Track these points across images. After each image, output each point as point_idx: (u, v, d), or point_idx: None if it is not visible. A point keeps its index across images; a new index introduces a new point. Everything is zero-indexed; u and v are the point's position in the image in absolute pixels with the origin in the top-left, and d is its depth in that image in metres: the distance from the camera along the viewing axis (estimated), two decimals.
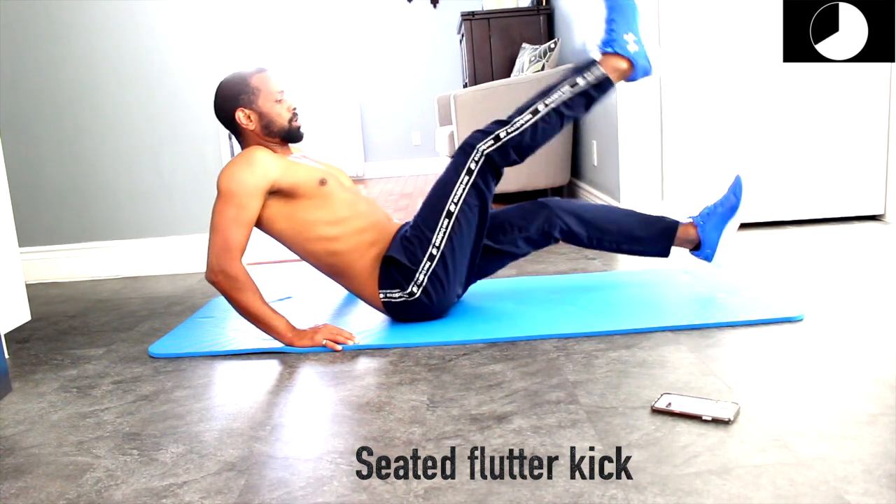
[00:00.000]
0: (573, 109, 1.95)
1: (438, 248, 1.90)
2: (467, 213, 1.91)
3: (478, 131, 1.95)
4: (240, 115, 1.93)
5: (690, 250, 2.09)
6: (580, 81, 1.93)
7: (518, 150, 1.93)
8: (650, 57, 1.95)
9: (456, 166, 1.93)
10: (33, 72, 2.91)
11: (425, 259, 1.90)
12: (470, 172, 1.90)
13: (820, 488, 1.07)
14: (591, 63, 1.95)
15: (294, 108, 1.97)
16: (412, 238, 1.92)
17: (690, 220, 2.07)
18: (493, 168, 1.93)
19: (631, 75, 1.96)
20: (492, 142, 1.91)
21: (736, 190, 2.03)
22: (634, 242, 2.07)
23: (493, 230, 2.02)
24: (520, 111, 1.94)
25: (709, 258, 2.06)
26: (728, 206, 2.03)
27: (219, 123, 2.95)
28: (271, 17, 6.58)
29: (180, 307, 2.44)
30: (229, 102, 1.93)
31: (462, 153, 1.93)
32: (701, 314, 1.88)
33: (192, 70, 2.91)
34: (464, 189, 1.90)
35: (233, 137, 3.69)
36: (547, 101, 1.93)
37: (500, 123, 1.94)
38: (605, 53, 1.94)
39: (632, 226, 2.06)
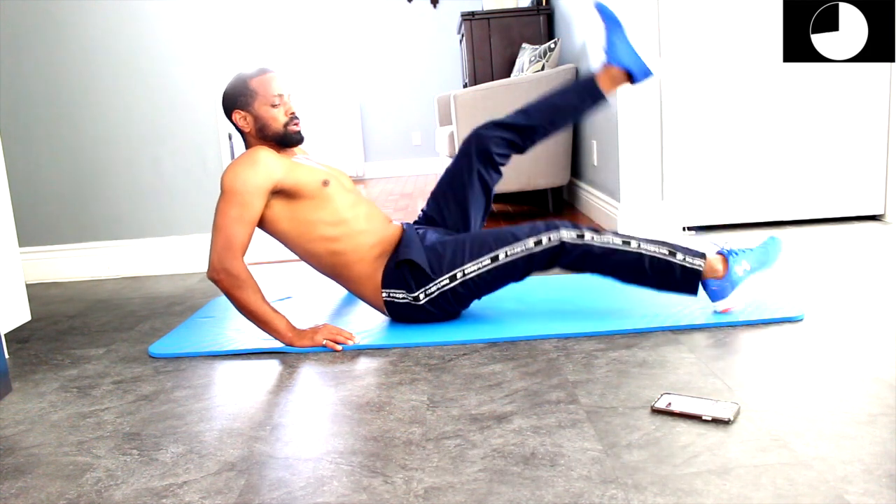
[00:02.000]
0: (652, 272, 1.86)
1: (465, 275, 1.89)
2: (509, 269, 1.89)
3: (571, 224, 1.90)
4: (236, 117, 1.94)
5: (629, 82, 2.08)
6: (679, 256, 1.85)
7: (587, 257, 1.87)
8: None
9: (532, 229, 1.89)
10: (33, 72, 2.91)
11: (446, 277, 1.89)
12: (539, 243, 1.86)
13: (820, 488, 1.07)
14: (698, 253, 1.88)
15: (292, 113, 1.96)
16: (447, 248, 1.91)
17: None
18: (555, 256, 1.88)
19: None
20: (575, 235, 1.86)
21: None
22: (567, 113, 2.13)
23: (455, 188, 2.10)
24: (615, 233, 1.90)
25: (640, 73, 2.05)
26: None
27: (219, 123, 2.95)
28: (271, 17, 6.58)
29: (180, 307, 2.44)
30: (229, 103, 1.95)
31: (545, 224, 1.90)
32: (701, 314, 1.88)
33: (193, 70, 2.91)
34: (522, 251, 1.87)
35: (233, 137, 3.70)
36: (643, 243, 1.87)
37: (593, 229, 1.89)
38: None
39: (556, 101, 2.11)
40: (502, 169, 2.12)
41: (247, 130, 1.95)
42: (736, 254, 1.90)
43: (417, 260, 1.89)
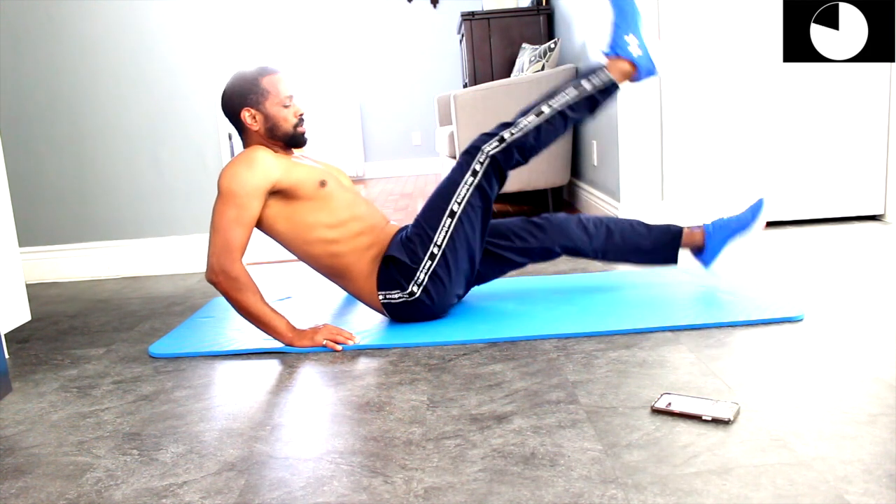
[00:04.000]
0: (577, 112, 1.96)
1: (440, 247, 1.90)
2: (470, 213, 1.91)
3: (483, 134, 1.96)
4: (245, 115, 1.93)
5: (693, 252, 2.11)
6: (586, 85, 1.94)
7: (522, 151, 1.94)
8: (653, 58, 1.97)
9: (461, 167, 1.93)
10: (33, 72, 2.91)
11: (426, 258, 1.90)
12: (475, 174, 1.91)
13: (820, 488, 1.07)
14: (597, 67, 1.96)
15: (301, 114, 1.96)
16: (413, 237, 1.92)
17: (701, 227, 2.10)
18: (497, 170, 1.93)
19: (635, 76, 1.99)
20: (496, 143, 1.92)
21: (755, 210, 2.04)
22: (640, 254, 2.09)
23: (495, 236, 2.04)
24: (524, 113, 1.95)
25: (706, 264, 2.09)
26: (742, 222, 2.05)
27: (219, 123, 2.95)
28: (271, 17, 6.58)
29: (180, 307, 2.44)
30: (237, 99, 1.93)
31: (467, 155, 1.94)
32: (701, 314, 1.88)
33: (193, 70, 2.91)
34: (468, 190, 1.91)
35: (233, 137, 3.70)
36: (551, 103, 1.94)
37: (505, 125, 1.95)
38: (610, 57, 1.98)
39: (637, 239, 2.07)
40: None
41: (255, 129, 1.94)
42: (617, 45, 1.96)
43: (396, 254, 1.90)
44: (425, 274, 1.91)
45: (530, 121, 1.93)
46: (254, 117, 1.93)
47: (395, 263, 1.91)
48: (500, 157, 1.92)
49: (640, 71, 1.97)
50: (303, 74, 6.62)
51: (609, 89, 1.96)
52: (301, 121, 1.96)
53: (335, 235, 1.93)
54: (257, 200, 1.85)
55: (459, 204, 1.91)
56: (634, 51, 1.95)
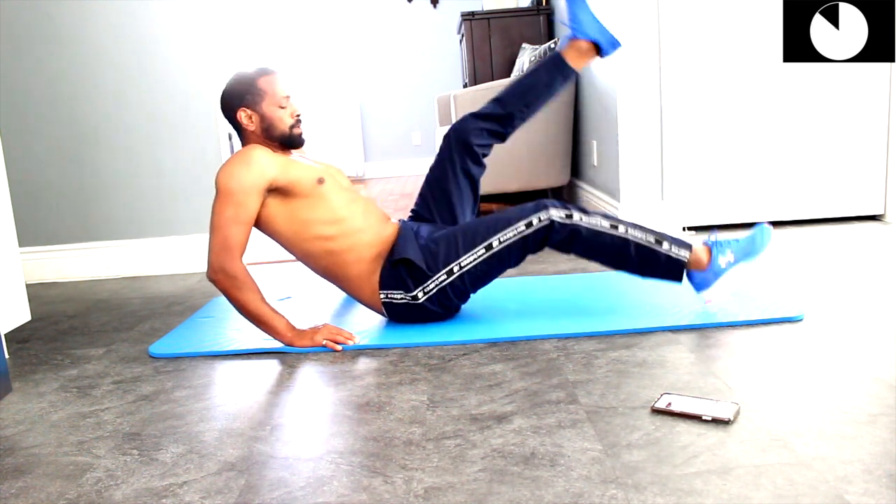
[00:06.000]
0: (637, 258, 1.87)
1: (462, 268, 1.89)
2: (504, 256, 1.89)
3: (558, 200, 1.95)
4: (242, 116, 1.93)
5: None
6: (665, 245, 1.87)
7: (576, 237, 1.87)
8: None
9: (520, 212, 1.90)
10: (34, 72, 2.91)
11: (443, 272, 1.89)
12: (529, 225, 1.87)
13: (820, 488, 1.07)
14: (686, 245, 1.89)
15: (298, 115, 1.96)
16: (441, 243, 1.91)
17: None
18: (546, 236, 1.88)
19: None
20: (564, 215, 1.86)
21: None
22: (540, 94, 2.10)
23: (441, 184, 2.10)
24: (603, 215, 1.89)
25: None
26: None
27: (219, 123, 2.95)
28: (271, 17, 6.58)
29: (180, 307, 2.44)
30: (234, 101, 1.93)
31: (534, 205, 1.90)
32: (701, 314, 1.88)
33: (193, 70, 2.91)
34: (515, 235, 1.88)
35: (233, 137, 3.71)
36: (630, 228, 1.87)
37: (581, 208, 1.90)
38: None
39: (527, 83, 2.10)
40: (486, 160, 2.14)
41: (251, 129, 1.94)
42: (720, 245, 1.90)
43: (413, 258, 1.88)
44: (436, 286, 1.90)
45: (602, 225, 1.86)
46: (250, 118, 1.93)
47: (406, 265, 1.91)
48: (558, 228, 1.86)
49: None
50: (303, 74, 6.61)
51: (676, 267, 1.87)
52: (298, 121, 1.96)
53: (332, 232, 1.93)
54: (255, 198, 1.85)
55: (501, 243, 1.88)
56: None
